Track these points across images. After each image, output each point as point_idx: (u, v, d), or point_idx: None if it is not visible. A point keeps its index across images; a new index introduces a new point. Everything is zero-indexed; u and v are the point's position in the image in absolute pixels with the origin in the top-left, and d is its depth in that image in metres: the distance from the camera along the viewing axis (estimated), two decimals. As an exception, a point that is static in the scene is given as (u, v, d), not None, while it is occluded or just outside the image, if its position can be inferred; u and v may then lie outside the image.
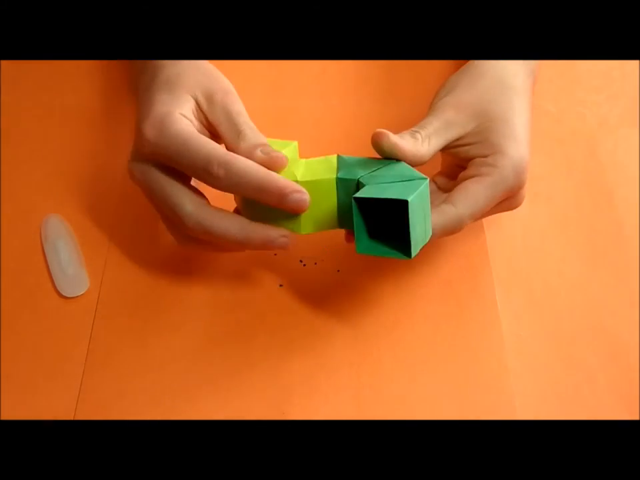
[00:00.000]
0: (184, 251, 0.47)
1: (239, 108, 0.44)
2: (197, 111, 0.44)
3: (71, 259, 0.48)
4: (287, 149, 0.44)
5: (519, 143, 0.44)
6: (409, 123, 0.56)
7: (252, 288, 0.48)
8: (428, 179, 0.40)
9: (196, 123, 0.44)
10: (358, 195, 0.39)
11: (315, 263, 0.49)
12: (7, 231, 0.50)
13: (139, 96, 0.46)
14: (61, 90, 0.58)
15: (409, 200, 0.37)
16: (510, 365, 0.45)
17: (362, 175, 0.42)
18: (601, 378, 0.45)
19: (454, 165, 0.47)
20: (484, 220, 0.51)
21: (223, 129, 0.44)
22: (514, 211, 0.47)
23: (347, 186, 0.42)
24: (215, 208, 0.42)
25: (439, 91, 0.48)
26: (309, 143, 0.55)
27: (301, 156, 0.45)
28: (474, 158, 0.44)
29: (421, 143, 0.43)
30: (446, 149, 0.45)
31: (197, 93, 0.44)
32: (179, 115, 0.43)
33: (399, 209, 0.39)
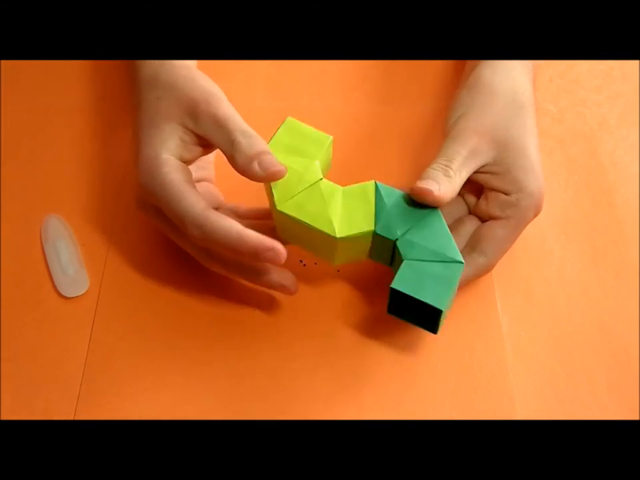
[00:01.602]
0: (210, 269, 0.46)
1: (224, 112, 0.42)
2: (185, 134, 0.43)
3: (71, 259, 0.48)
4: (319, 151, 0.44)
5: (536, 175, 0.45)
6: (408, 123, 0.56)
7: (252, 288, 0.48)
8: (463, 264, 0.42)
9: (185, 152, 0.43)
10: (395, 285, 0.41)
11: (315, 263, 0.49)
12: (6, 231, 0.50)
13: (132, 123, 0.46)
14: (61, 90, 0.58)
15: (443, 310, 0.40)
16: (510, 365, 0.45)
17: (399, 233, 0.43)
18: (601, 378, 0.45)
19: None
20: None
21: (215, 140, 0.43)
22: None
23: (383, 238, 0.43)
24: (216, 213, 0.42)
25: (452, 109, 0.48)
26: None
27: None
28: (493, 189, 0.46)
29: (454, 180, 0.44)
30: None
31: (180, 116, 0.43)
32: (165, 159, 0.42)
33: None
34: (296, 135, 0.45)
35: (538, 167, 0.46)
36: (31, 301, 0.47)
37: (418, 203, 0.44)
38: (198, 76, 0.45)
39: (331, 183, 0.44)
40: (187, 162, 0.44)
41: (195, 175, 0.45)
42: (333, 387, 0.44)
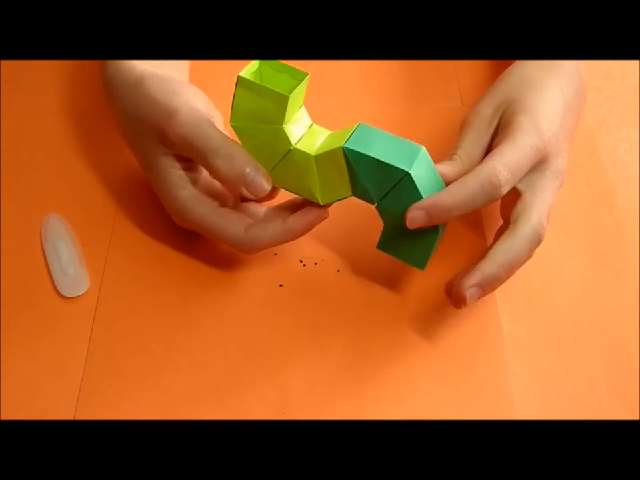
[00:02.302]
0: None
1: (186, 131, 0.43)
2: (174, 160, 0.45)
3: (71, 259, 0.48)
4: (281, 113, 0.42)
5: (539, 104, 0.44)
6: (409, 122, 0.56)
7: (252, 288, 0.48)
8: (440, 230, 0.43)
9: (189, 173, 0.45)
10: (380, 247, 0.45)
11: (315, 263, 0.49)
12: (7, 231, 0.50)
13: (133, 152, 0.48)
14: (61, 90, 0.58)
15: (424, 269, 0.44)
16: (510, 365, 0.45)
17: (376, 200, 0.43)
18: (601, 378, 0.45)
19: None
20: (483, 219, 0.51)
21: (192, 158, 0.44)
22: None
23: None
24: (257, 228, 0.44)
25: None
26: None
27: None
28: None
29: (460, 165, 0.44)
30: None
31: (160, 148, 0.44)
32: (183, 197, 0.44)
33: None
34: (255, 98, 0.42)
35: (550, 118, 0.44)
36: (30, 301, 0.47)
37: (389, 168, 0.41)
38: (153, 90, 0.45)
39: (303, 151, 0.43)
40: (197, 180, 0.46)
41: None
42: (333, 387, 0.44)
